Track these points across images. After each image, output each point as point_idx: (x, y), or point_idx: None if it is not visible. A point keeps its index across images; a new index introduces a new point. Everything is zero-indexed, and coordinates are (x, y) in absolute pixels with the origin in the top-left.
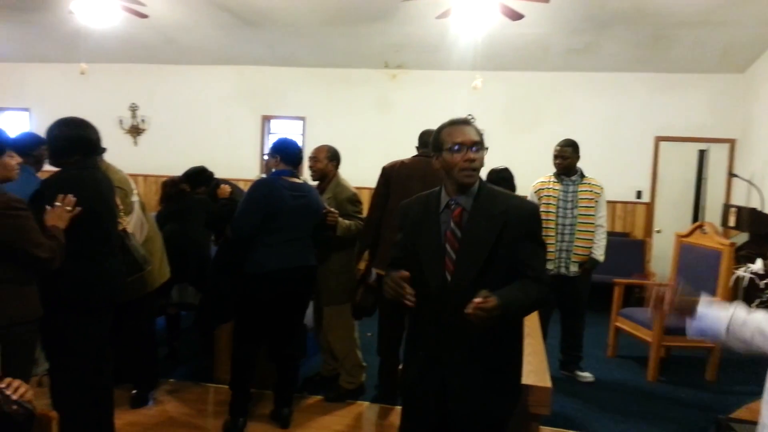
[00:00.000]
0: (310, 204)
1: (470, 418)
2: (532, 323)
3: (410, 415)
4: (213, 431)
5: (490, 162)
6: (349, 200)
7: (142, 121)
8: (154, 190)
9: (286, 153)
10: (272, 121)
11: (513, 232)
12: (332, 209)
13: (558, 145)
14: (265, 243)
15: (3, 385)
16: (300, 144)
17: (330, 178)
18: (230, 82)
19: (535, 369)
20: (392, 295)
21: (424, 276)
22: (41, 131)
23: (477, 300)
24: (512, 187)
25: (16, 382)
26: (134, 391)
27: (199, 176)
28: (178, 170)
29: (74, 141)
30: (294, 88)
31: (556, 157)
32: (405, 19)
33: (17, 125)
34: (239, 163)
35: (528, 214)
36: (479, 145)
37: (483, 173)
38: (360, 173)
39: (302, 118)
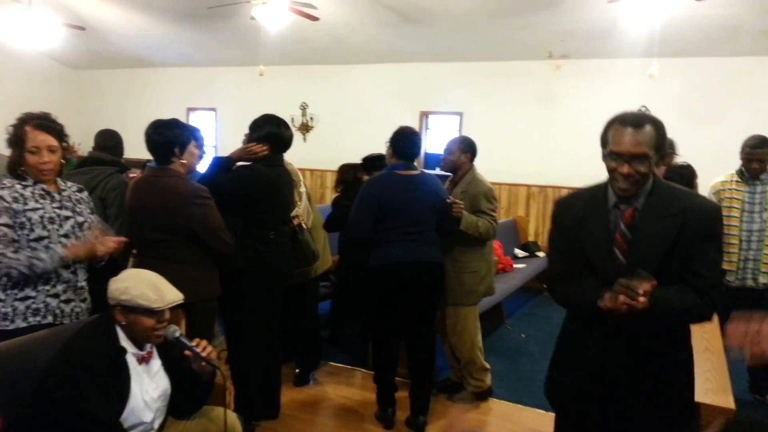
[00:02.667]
0: (428, 196)
1: None
2: (711, 336)
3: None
4: (367, 416)
5: None
6: (484, 195)
7: (311, 119)
8: (320, 183)
9: (397, 146)
10: (430, 116)
11: (691, 235)
12: (457, 200)
13: (748, 146)
14: (385, 239)
15: (194, 344)
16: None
17: (464, 171)
18: (390, 79)
19: (714, 387)
20: (620, 302)
21: None
22: (226, 129)
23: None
24: (691, 186)
25: (204, 342)
26: (297, 371)
27: (375, 161)
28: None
29: (272, 137)
30: (452, 84)
31: (750, 160)
32: (573, 6)
33: (205, 124)
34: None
35: (709, 215)
36: (641, 159)
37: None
38: (519, 169)
39: (460, 114)
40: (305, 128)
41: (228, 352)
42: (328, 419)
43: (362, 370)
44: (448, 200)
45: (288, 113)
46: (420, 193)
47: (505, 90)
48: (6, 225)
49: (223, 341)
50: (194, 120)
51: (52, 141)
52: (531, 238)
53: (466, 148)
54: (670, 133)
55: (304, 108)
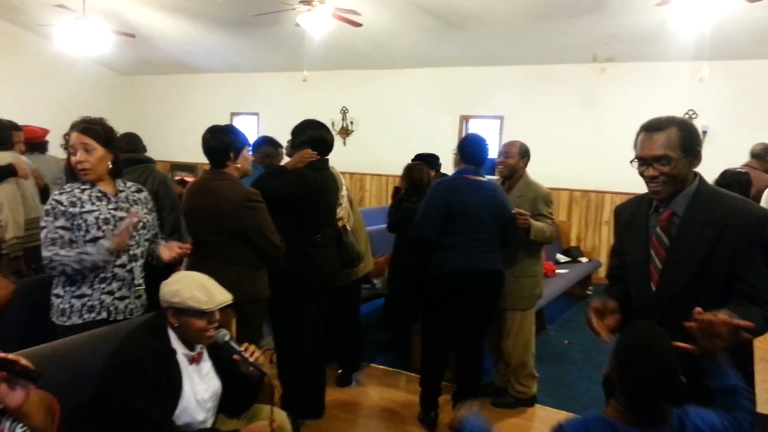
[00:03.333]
0: (495, 204)
1: None
2: (765, 345)
3: None
4: (409, 418)
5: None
6: (543, 199)
7: (351, 123)
8: (359, 186)
9: (466, 151)
10: (470, 120)
11: (733, 241)
12: (522, 210)
13: None
14: (446, 245)
15: (242, 348)
16: (496, 143)
17: (519, 176)
18: (430, 84)
19: None
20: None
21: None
22: (268, 133)
23: (721, 317)
24: (746, 193)
25: (252, 347)
26: (340, 371)
27: (433, 158)
28: (379, 169)
29: (314, 141)
30: (493, 87)
31: None
32: (619, 10)
33: (248, 128)
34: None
35: (754, 220)
36: (663, 160)
37: (714, 174)
38: (561, 173)
39: (500, 117)
40: (345, 132)
41: (275, 352)
42: (371, 420)
43: (404, 372)
44: (514, 211)
45: (328, 117)
46: (487, 200)
47: (547, 93)
48: (63, 227)
49: (271, 341)
50: (237, 124)
51: (88, 141)
52: (573, 243)
53: (525, 153)
54: (719, 136)
55: (344, 112)
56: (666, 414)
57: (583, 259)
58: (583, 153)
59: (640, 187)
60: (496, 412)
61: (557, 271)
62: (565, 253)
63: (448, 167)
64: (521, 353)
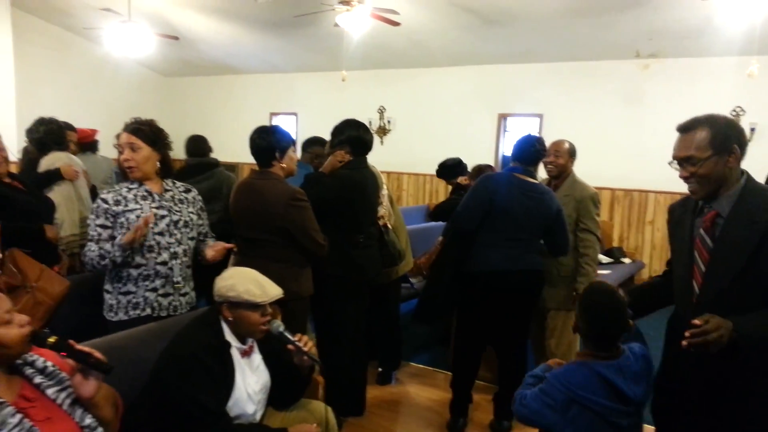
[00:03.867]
0: (540, 207)
1: None
2: None
3: None
4: (445, 421)
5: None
6: (591, 199)
7: (388, 122)
8: (396, 185)
9: (515, 149)
10: (508, 119)
11: None
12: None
13: None
14: (486, 241)
15: (296, 338)
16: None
17: (566, 175)
18: (468, 82)
19: None
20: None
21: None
22: (307, 133)
23: (695, 322)
24: None
25: (305, 338)
26: (380, 369)
27: (455, 168)
28: (416, 168)
29: (353, 140)
30: (531, 85)
31: None
32: (662, 4)
33: (287, 127)
34: (474, 161)
35: None
36: (691, 160)
37: (762, 172)
38: (603, 172)
39: (539, 115)
40: (383, 131)
41: (318, 349)
42: (411, 418)
43: (444, 372)
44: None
45: (366, 117)
46: (533, 202)
47: (588, 91)
48: (102, 226)
49: (313, 338)
50: (276, 124)
51: (135, 140)
52: (615, 244)
53: (573, 152)
54: None
55: (381, 111)
56: (621, 348)
57: (626, 260)
58: (625, 151)
59: (684, 185)
60: None
61: (599, 272)
62: (607, 253)
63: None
64: (565, 354)
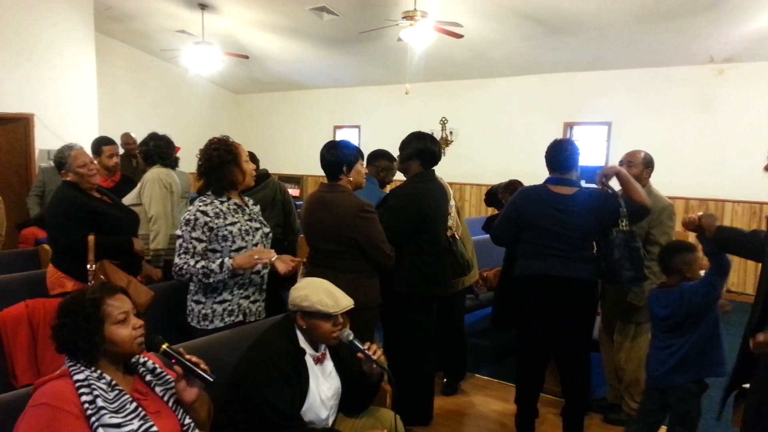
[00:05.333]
0: (575, 218)
1: None
2: None
3: None
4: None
5: None
6: (666, 212)
7: (450, 133)
8: (459, 197)
9: (548, 158)
10: (575, 127)
11: None
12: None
13: None
14: (526, 251)
15: (365, 347)
16: (603, 150)
17: (642, 186)
18: (532, 91)
19: None
20: None
21: None
22: (370, 146)
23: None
24: None
25: (374, 346)
26: (445, 380)
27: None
28: (479, 178)
29: (421, 152)
30: (599, 93)
31: None
32: (738, 8)
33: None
34: (539, 171)
35: None
36: None
37: None
38: (676, 181)
39: (608, 123)
40: (445, 142)
41: (386, 357)
42: (477, 429)
43: (510, 384)
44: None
45: (428, 128)
46: (565, 215)
47: (659, 98)
48: (197, 239)
49: (380, 346)
50: (340, 137)
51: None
52: None
53: (649, 163)
54: None
55: (443, 123)
56: None
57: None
58: (699, 159)
59: (764, 194)
60: (608, 429)
61: None
62: None
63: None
64: (635, 369)
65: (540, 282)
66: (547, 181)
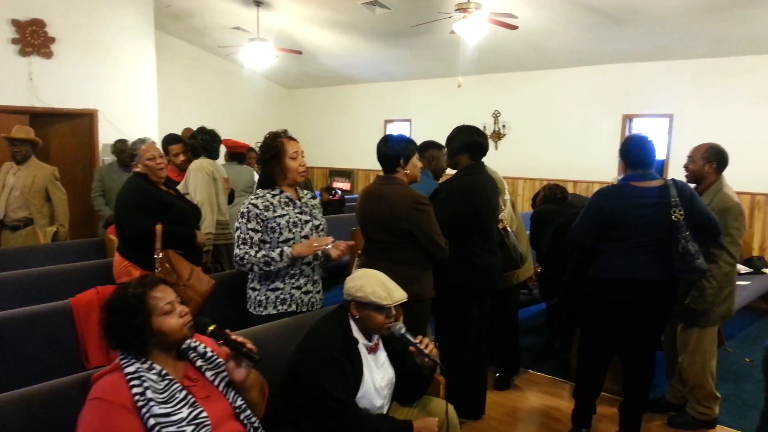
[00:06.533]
0: (661, 212)
1: None
2: None
3: None
4: (564, 430)
5: None
6: (731, 212)
7: (503, 126)
8: (511, 191)
9: (629, 154)
10: (634, 120)
11: None
12: None
13: None
14: (608, 250)
15: (417, 341)
16: (664, 143)
17: (708, 182)
18: (589, 83)
19: None
20: None
21: None
22: (420, 140)
23: None
24: None
25: (426, 340)
26: (498, 374)
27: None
28: (532, 173)
29: (469, 146)
30: (660, 84)
31: None
32: None
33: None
34: (595, 165)
35: None
36: None
37: None
38: (741, 175)
39: (669, 116)
40: (497, 136)
41: (439, 351)
42: (530, 425)
43: (564, 381)
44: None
45: (480, 121)
46: (650, 210)
47: (723, 89)
48: (253, 230)
49: (433, 339)
50: (390, 131)
51: (301, 148)
52: (756, 253)
53: (711, 156)
54: None
55: (496, 116)
56: None
57: (767, 271)
58: (766, 153)
59: None
60: None
61: (738, 283)
62: (746, 263)
63: (610, 171)
64: (698, 373)
65: (623, 285)
66: (629, 178)
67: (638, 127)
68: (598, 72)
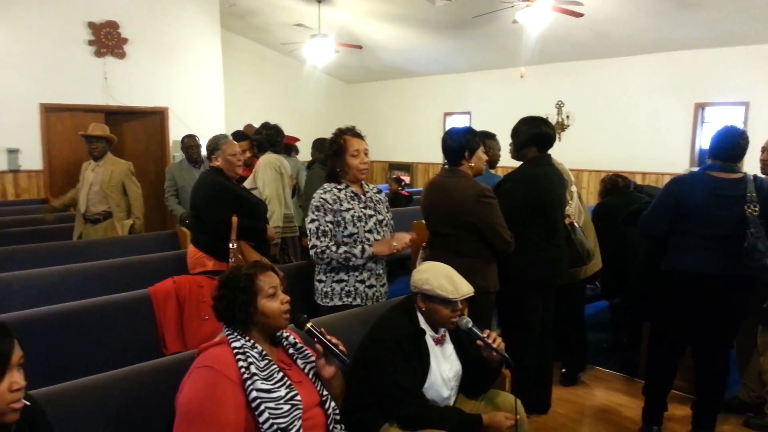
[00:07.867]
0: (738, 205)
1: None
2: None
3: None
4: (632, 427)
5: None
6: None
7: (567, 117)
8: (575, 182)
9: (711, 144)
10: (707, 108)
11: None
12: None
13: None
14: (680, 243)
15: (484, 335)
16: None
17: None
18: (658, 70)
19: None
20: None
21: None
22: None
23: None
24: None
25: (494, 334)
26: (564, 370)
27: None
28: (597, 164)
29: (536, 137)
30: (735, 71)
31: None
32: None
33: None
34: (665, 157)
35: None
36: None
37: None
38: None
39: (745, 104)
40: (561, 127)
41: (504, 344)
42: (597, 421)
43: (632, 378)
44: None
45: (543, 112)
46: (729, 200)
47: None
48: (331, 222)
49: (498, 333)
50: (450, 124)
51: (366, 146)
52: None
53: None
54: None
55: (560, 106)
56: None
57: None
58: None
59: None
60: None
61: None
62: None
63: (683, 163)
64: None
65: (694, 280)
66: (708, 168)
67: (711, 116)
68: (666, 59)
